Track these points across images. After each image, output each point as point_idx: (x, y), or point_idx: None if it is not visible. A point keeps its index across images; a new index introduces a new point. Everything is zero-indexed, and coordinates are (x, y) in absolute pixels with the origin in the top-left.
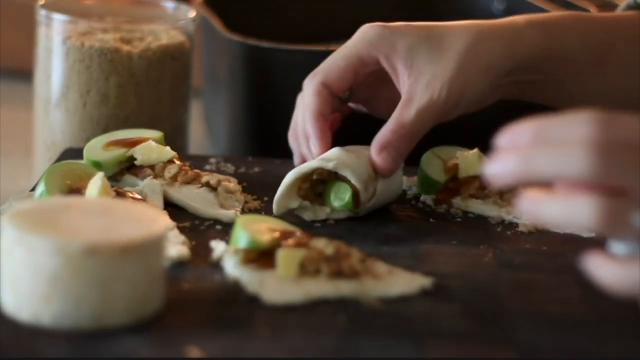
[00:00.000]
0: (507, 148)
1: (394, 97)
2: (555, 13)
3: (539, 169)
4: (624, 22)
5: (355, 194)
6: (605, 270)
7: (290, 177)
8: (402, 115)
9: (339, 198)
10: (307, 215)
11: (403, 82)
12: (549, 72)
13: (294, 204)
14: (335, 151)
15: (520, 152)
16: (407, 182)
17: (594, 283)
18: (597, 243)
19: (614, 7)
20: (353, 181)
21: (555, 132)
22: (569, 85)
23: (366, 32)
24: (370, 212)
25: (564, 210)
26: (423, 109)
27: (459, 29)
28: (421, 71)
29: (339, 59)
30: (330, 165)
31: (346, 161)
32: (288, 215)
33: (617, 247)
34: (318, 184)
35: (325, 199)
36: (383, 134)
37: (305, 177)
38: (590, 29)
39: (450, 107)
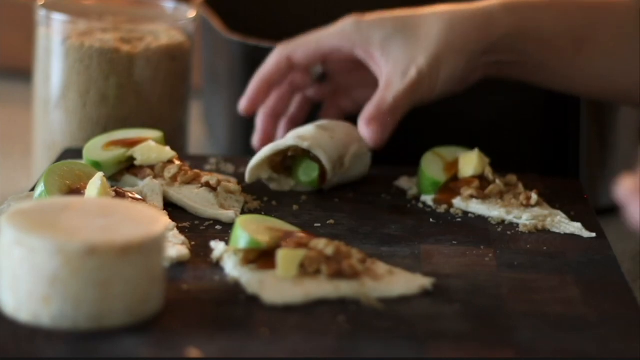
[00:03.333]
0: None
1: (371, 82)
2: None
3: None
4: (605, 7)
5: (323, 173)
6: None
7: (265, 151)
8: (382, 98)
9: (307, 174)
10: (273, 186)
11: (381, 70)
12: (525, 52)
13: (265, 174)
14: (311, 129)
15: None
16: (407, 183)
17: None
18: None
19: None
20: (324, 161)
21: None
22: (549, 68)
23: (344, 24)
24: (358, 211)
25: None
26: (401, 93)
27: (433, 16)
28: (398, 59)
29: (313, 41)
30: (305, 145)
31: (320, 142)
32: (289, 216)
33: None
34: (288, 159)
35: (293, 173)
36: (367, 110)
37: (280, 151)
38: (567, 12)
39: (427, 89)
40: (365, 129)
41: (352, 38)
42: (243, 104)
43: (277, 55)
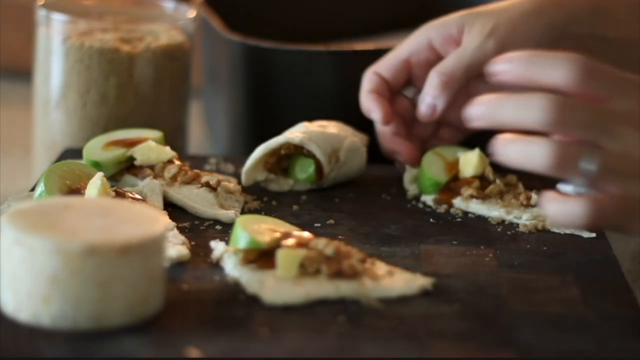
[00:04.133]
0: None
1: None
2: None
3: (503, 114)
4: None
5: (319, 167)
6: (553, 205)
7: (258, 151)
8: (448, 60)
9: (303, 170)
10: (273, 187)
11: (455, 43)
12: (601, 29)
13: (261, 176)
14: (301, 127)
15: (490, 100)
16: (408, 183)
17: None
18: (596, 241)
19: None
20: (317, 154)
21: (538, 68)
22: (627, 49)
23: (425, 31)
24: (358, 211)
25: (522, 151)
26: (469, 54)
27: (503, 9)
28: (472, 25)
29: (391, 52)
30: (296, 140)
31: (312, 136)
32: (289, 216)
33: (565, 188)
34: (284, 159)
35: (290, 172)
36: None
37: (273, 152)
38: None
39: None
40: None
41: (427, 32)
42: (380, 115)
43: (366, 76)
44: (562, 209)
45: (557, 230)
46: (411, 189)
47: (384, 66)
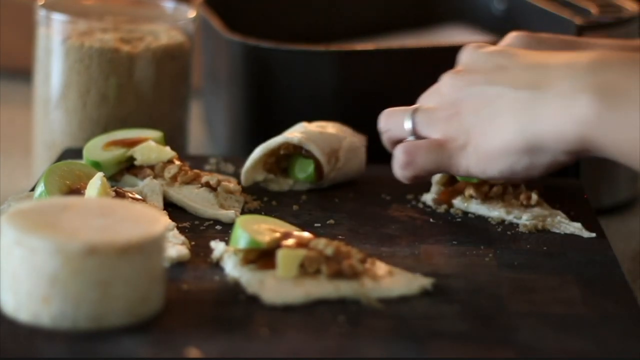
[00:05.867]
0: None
1: None
2: None
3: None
4: None
5: (318, 167)
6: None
7: (257, 152)
8: None
9: (303, 170)
10: (273, 187)
11: None
12: None
13: (260, 177)
14: (300, 127)
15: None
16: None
17: None
18: (597, 241)
19: (615, 7)
20: (316, 154)
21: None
22: None
23: (514, 37)
24: (358, 211)
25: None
26: None
27: (600, 43)
28: None
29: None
30: (295, 140)
31: (310, 136)
32: (289, 216)
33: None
34: (283, 160)
35: (290, 172)
36: None
37: (272, 152)
38: None
39: None
40: None
41: (527, 42)
42: None
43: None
44: (393, 167)
45: (557, 230)
46: (429, 197)
47: None
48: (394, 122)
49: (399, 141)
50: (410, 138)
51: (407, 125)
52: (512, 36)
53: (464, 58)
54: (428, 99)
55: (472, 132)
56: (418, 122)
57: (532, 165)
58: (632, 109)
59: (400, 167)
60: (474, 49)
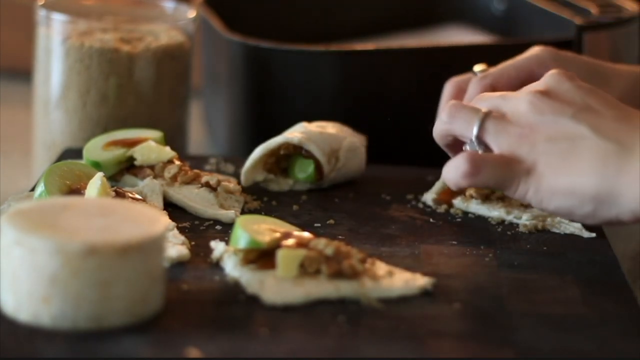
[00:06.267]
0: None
1: None
2: None
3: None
4: None
5: (318, 168)
6: (446, 165)
7: (257, 152)
8: None
9: (303, 170)
10: (272, 187)
11: None
12: None
13: (260, 177)
14: (300, 127)
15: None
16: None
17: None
18: (597, 241)
19: (615, 7)
20: (316, 154)
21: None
22: None
23: (540, 51)
24: (358, 211)
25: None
26: None
27: (626, 73)
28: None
29: (510, 68)
30: (295, 140)
31: (310, 136)
32: (289, 216)
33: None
34: (283, 160)
35: (290, 172)
36: None
37: (272, 152)
38: None
39: None
40: None
41: (549, 66)
42: None
43: (481, 87)
44: (449, 165)
45: (557, 230)
46: (429, 197)
47: (503, 81)
48: (461, 118)
49: (453, 137)
50: (471, 142)
51: (475, 127)
52: (538, 49)
53: (552, 83)
54: (501, 104)
55: (542, 160)
56: (487, 129)
57: (593, 214)
58: None
59: (461, 176)
60: (564, 78)
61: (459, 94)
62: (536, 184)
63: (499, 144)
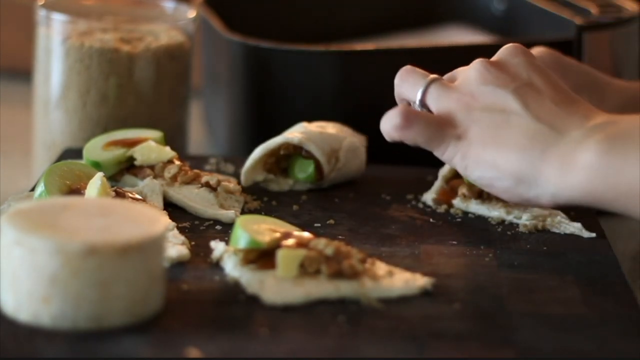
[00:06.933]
0: None
1: None
2: None
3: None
4: None
5: (319, 168)
6: (383, 119)
7: (257, 152)
8: None
9: (303, 170)
10: (272, 187)
11: None
12: None
13: (260, 177)
14: (300, 127)
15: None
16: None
17: None
18: (597, 241)
19: (615, 7)
20: (316, 154)
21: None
22: None
23: (542, 52)
24: (358, 211)
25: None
26: None
27: (622, 87)
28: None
29: None
30: (295, 140)
31: (310, 136)
32: (289, 216)
33: None
34: (283, 160)
35: (290, 172)
36: None
37: (272, 152)
38: None
39: None
40: None
41: (551, 68)
42: None
43: None
44: (384, 120)
45: (557, 230)
46: (429, 197)
47: None
48: (408, 82)
49: (405, 99)
50: (414, 104)
51: (419, 90)
52: (543, 51)
53: (505, 55)
54: (456, 72)
55: (474, 128)
56: (429, 92)
57: (512, 191)
58: (632, 151)
59: (392, 127)
60: (518, 52)
61: None
62: (464, 150)
63: (437, 107)
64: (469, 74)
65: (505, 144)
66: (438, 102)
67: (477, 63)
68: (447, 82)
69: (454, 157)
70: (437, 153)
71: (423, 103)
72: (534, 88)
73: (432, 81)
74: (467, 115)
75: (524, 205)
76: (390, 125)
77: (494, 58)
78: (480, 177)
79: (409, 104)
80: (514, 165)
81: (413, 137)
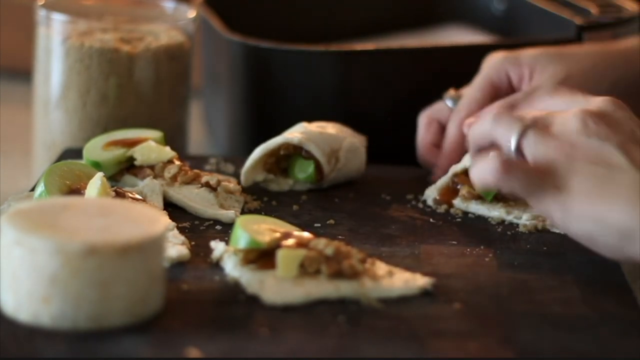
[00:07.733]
0: None
1: None
2: None
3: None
4: None
5: (319, 168)
6: (475, 166)
7: (257, 152)
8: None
9: (303, 171)
10: (272, 187)
11: (528, 83)
12: None
13: (260, 177)
14: (300, 127)
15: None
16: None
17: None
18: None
19: (615, 7)
20: (316, 154)
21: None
22: None
23: (492, 57)
24: (358, 211)
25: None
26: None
27: (581, 53)
28: (545, 68)
29: (475, 91)
30: (295, 140)
31: (310, 136)
32: (289, 216)
33: None
34: (283, 160)
35: (290, 172)
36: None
37: (272, 152)
38: None
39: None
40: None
41: (504, 64)
42: (438, 175)
43: (459, 125)
44: (478, 166)
45: (557, 230)
46: (432, 193)
47: (475, 108)
48: (502, 128)
49: (490, 142)
50: (511, 147)
51: (515, 134)
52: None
53: (607, 108)
54: (550, 117)
55: (576, 180)
56: (526, 139)
57: (615, 247)
58: None
59: (490, 172)
60: (620, 105)
61: (432, 124)
62: (563, 201)
63: (535, 154)
64: (569, 123)
65: (613, 198)
66: (536, 149)
67: (579, 113)
68: (544, 127)
69: (551, 209)
70: (532, 202)
71: (518, 149)
72: (638, 143)
73: (529, 126)
74: (568, 166)
75: (524, 205)
76: (487, 171)
77: (594, 109)
78: (581, 230)
79: (477, 147)
80: (621, 221)
81: (511, 186)
